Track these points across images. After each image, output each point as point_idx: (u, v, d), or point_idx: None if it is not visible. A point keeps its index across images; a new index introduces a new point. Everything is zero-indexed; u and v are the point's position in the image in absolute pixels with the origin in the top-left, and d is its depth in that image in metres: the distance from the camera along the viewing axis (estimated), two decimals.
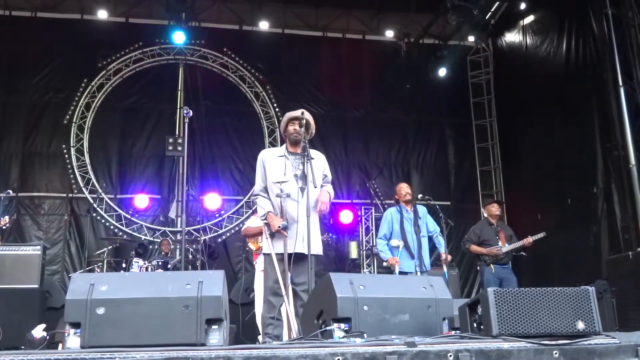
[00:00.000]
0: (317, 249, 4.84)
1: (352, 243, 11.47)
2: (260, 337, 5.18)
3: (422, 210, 7.17)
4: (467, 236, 8.08)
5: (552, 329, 2.85)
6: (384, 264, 7.23)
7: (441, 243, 7.05)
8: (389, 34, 12.64)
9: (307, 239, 4.50)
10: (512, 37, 12.04)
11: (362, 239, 11.67)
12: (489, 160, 12.64)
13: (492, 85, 12.80)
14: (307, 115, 4.99)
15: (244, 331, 7.94)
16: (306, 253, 4.52)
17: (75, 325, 3.05)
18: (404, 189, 7.25)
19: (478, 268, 8.37)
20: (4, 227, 7.33)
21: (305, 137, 4.90)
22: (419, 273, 6.75)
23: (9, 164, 10.83)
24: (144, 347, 2.56)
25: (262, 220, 4.94)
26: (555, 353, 2.62)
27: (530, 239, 7.75)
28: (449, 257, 7.03)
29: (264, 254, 5.04)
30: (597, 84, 9.24)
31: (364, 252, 11.58)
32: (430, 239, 7.10)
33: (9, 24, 11.22)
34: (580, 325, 2.87)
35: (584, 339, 2.79)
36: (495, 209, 8.16)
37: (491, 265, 7.74)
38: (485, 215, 8.29)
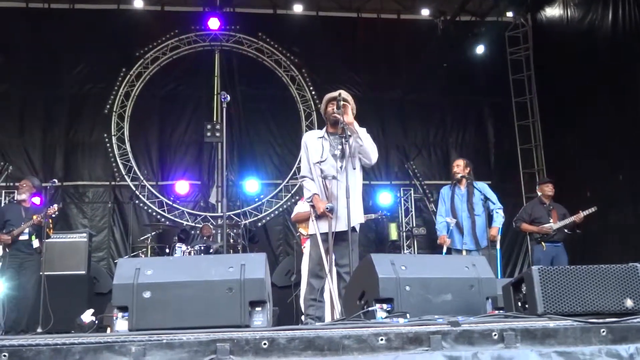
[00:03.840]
0: (358, 218, 4.87)
1: (391, 225, 11.42)
2: (303, 318, 5.24)
3: (481, 187, 7.01)
4: (519, 215, 8.05)
5: (599, 307, 2.79)
6: (438, 241, 7.17)
7: (495, 220, 6.86)
8: (425, 12, 12.39)
9: (348, 218, 4.51)
10: (553, 11, 11.72)
11: (402, 220, 11.61)
12: (530, 138, 12.38)
13: (532, 62, 12.50)
14: (346, 95, 4.98)
15: (286, 313, 8.02)
16: (346, 230, 4.55)
17: (123, 309, 3.13)
18: (453, 167, 7.19)
19: (529, 248, 8.29)
20: (53, 215, 7.50)
21: (344, 118, 4.85)
22: (464, 252, 6.69)
23: (53, 154, 11.08)
24: (190, 329, 2.60)
25: (308, 202, 5.01)
26: (603, 331, 2.57)
27: (581, 214, 7.66)
28: (493, 232, 6.83)
29: (309, 235, 5.11)
30: None
31: (404, 233, 11.53)
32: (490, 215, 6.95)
33: (48, 16, 11.39)
34: (629, 303, 2.81)
35: (633, 316, 2.73)
36: (549, 189, 8.07)
37: (542, 243, 7.64)
38: (539, 194, 8.20)
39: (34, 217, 7.38)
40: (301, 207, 6.94)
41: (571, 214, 7.79)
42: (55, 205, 7.56)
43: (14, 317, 7.34)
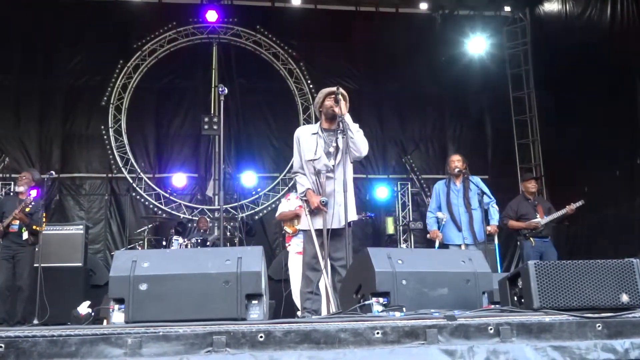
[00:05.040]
0: (352, 215, 4.85)
1: (388, 219, 11.42)
2: (299, 313, 5.24)
3: (476, 181, 7.01)
4: (505, 212, 8.01)
5: (594, 302, 2.80)
6: (428, 235, 7.20)
7: (492, 216, 6.91)
8: (423, 6, 12.37)
9: (345, 214, 4.51)
10: (551, 5, 11.71)
11: (399, 214, 11.63)
12: (527, 133, 12.38)
13: (530, 56, 12.49)
14: (343, 91, 4.95)
15: (282, 307, 8.02)
16: (341, 227, 4.56)
17: (120, 301, 3.13)
18: (452, 162, 7.17)
19: (518, 243, 8.29)
20: (27, 207, 7.32)
21: (337, 109, 4.85)
22: (463, 246, 6.70)
23: (50, 146, 11.05)
24: (187, 321, 2.60)
25: (302, 197, 4.98)
26: (599, 326, 2.57)
27: (572, 206, 7.68)
28: (492, 229, 6.89)
29: (302, 230, 5.09)
30: None
31: (401, 227, 11.54)
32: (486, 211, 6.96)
33: (45, 8, 11.33)
34: (625, 297, 2.81)
35: (629, 311, 2.74)
36: (532, 185, 8.09)
37: (531, 239, 7.67)
38: (522, 190, 8.22)
39: (16, 211, 7.32)
40: (285, 206, 7.03)
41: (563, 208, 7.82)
42: (28, 199, 7.40)
43: (9, 309, 7.34)
